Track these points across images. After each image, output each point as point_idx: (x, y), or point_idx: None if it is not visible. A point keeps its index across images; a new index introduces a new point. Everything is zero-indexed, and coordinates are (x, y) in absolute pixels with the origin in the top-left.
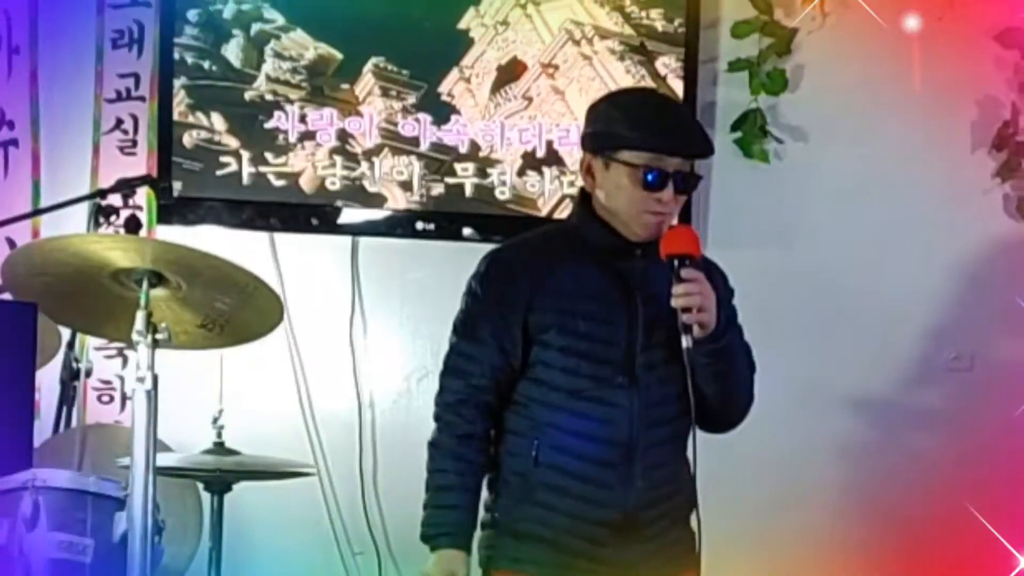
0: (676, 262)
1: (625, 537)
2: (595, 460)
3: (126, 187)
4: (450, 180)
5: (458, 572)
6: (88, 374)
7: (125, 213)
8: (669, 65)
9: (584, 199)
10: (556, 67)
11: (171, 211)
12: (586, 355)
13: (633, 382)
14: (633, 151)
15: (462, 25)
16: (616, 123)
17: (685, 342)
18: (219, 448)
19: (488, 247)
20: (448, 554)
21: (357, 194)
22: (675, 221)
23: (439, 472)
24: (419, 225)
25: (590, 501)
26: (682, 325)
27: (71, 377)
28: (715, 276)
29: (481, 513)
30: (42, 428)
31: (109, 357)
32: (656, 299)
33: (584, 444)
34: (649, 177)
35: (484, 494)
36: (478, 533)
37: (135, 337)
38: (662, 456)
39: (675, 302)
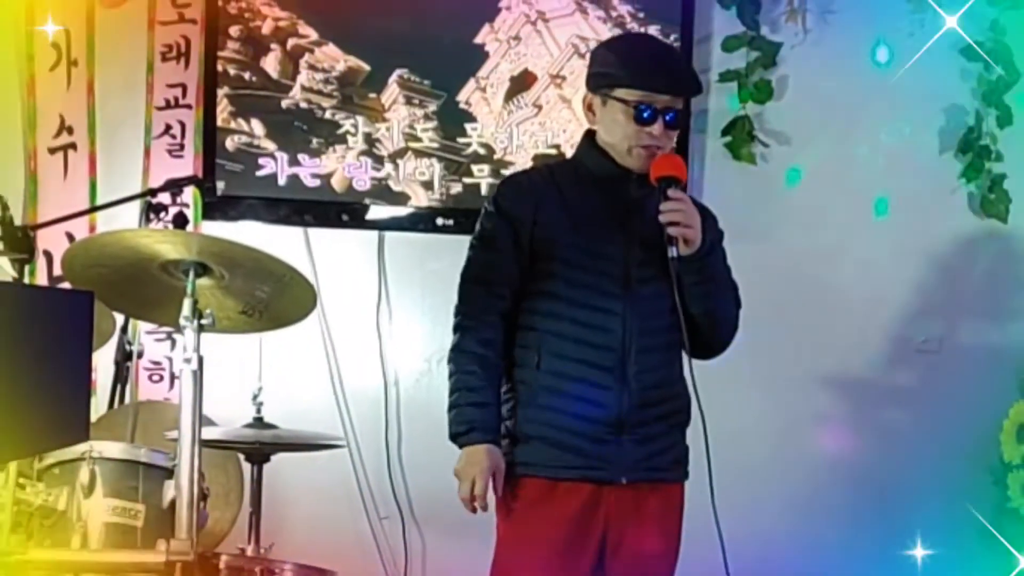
0: (663, 183)
1: (621, 436)
2: (591, 363)
3: (174, 186)
4: (467, 180)
5: (499, 464)
6: (140, 356)
7: (173, 210)
8: None
9: (587, 135)
10: (563, 78)
11: (215, 208)
12: (586, 267)
13: (628, 293)
14: (626, 89)
15: (478, 40)
16: (612, 64)
17: (671, 252)
18: (258, 423)
19: None
20: (482, 448)
21: (383, 193)
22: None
23: (466, 374)
24: (439, 221)
25: (588, 401)
26: (668, 237)
27: (124, 358)
28: (707, 218)
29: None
30: (98, 405)
31: (159, 340)
32: (651, 222)
33: (582, 349)
34: (644, 113)
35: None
36: None
37: (182, 322)
38: (653, 362)
39: (662, 217)
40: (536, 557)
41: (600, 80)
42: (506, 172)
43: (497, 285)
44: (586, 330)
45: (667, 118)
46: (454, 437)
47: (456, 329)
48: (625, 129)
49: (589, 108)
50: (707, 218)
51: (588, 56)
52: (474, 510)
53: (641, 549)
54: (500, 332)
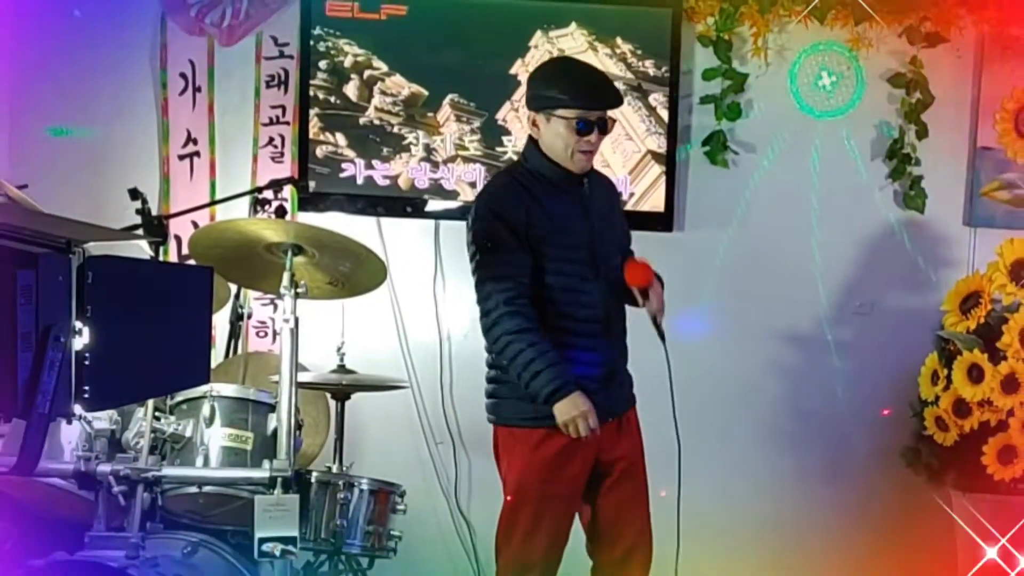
0: (639, 292)
1: (608, 386)
2: (585, 334)
3: (275, 185)
4: None
5: (587, 413)
6: (249, 317)
7: (275, 204)
8: (658, 100)
9: (534, 144)
10: None
11: (307, 202)
12: (568, 259)
13: (598, 277)
14: (565, 108)
15: (512, 71)
16: (552, 88)
17: (657, 332)
18: (341, 369)
19: None
20: (575, 397)
21: (438, 190)
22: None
23: (532, 346)
24: None
25: (585, 363)
26: (654, 322)
27: (237, 319)
28: (617, 200)
29: (488, 385)
30: (217, 355)
31: (264, 305)
32: (602, 214)
33: (574, 324)
34: (580, 126)
35: (490, 371)
36: (489, 400)
37: (282, 291)
38: (621, 328)
39: (648, 311)
40: (544, 481)
41: (542, 102)
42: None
43: (520, 276)
44: (574, 307)
45: (599, 127)
46: (549, 397)
47: (497, 320)
48: (567, 140)
49: (534, 123)
50: (616, 194)
51: (526, 81)
52: (587, 432)
53: (614, 454)
54: (534, 311)
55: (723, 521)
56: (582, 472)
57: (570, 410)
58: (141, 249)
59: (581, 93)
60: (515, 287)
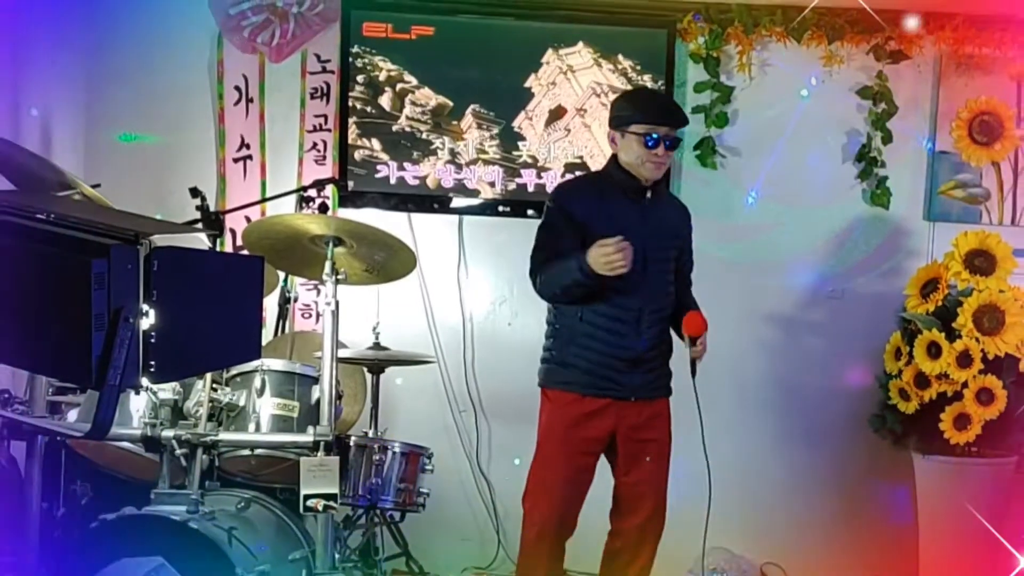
0: (692, 339)
1: (634, 368)
2: (617, 318)
3: (319, 185)
4: (519, 180)
5: (606, 243)
6: (295, 300)
7: (318, 201)
8: None
9: (613, 157)
10: (585, 111)
11: (347, 200)
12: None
13: (644, 272)
14: (637, 124)
15: (527, 84)
16: (627, 109)
17: (692, 371)
18: (376, 346)
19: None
20: (591, 253)
21: (462, 189)
22: (667, 167)
23: (552, 268)
24: (500, 208)
25: (614, 345)
26: (692, 364)
27: (285, 302)
28: (686, 218)
29: (542, 353)
30: (267, 334)
31: (308, 290)
32: (660, 225)
33: (613, 310)
34: (648, 141)
35: (544, 342)
36: (540, 366)
37: (324, 277)
38: (656, 321)
39: (692, 355)
40: (566, 438)
41: (619, 120)
42: (546, 176)
43: (554, 252)
44: (616, 296)
45: (666, 143)
46: (582, 269)
47: (534, 281)
48: (638, 152)
49: (612, 140)
50: (686, 218)
51: (609, 104)
52: (623, 262)
53: (642, 437)
54: None
55: (714, 477)
56: (602, 436)
57: (597, 258)
58: (200, 241)
59: (650, 112)
60: (547, 257)
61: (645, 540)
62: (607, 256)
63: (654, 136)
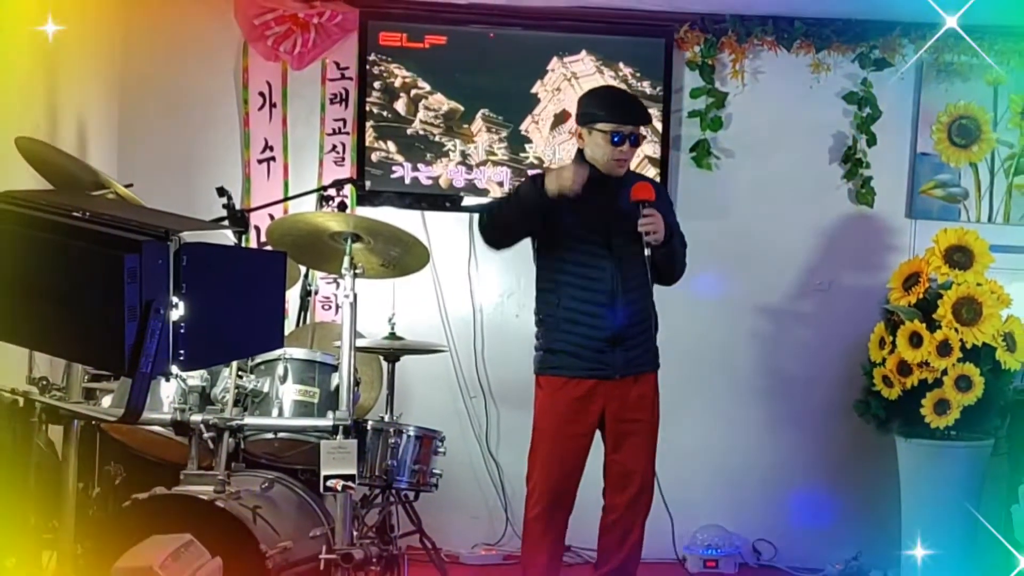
0: (640, 205)
1: (616, 347)
2: (593, 302)
3: (338, 184)
4: None
5: (562, 167)
6: (316, 293)
7: (337, 200)
8: (655, 114)
9: (579, 152)
10: None
11: (364, 199)
12: (584, 239)
13: (611, 254)
14: (603, 123)
15: (533, 90)
16: (593, 107)
17: (647, 250)
18: (392, 336)
19: None
20: (546, 174)
21: (472, 189)
22: (632, 167)
23: (501, 201)
24: None
25: (593, 327)
26: (645, 241)
27: (306, 294)
28: (663, 197)
29: (534, 343)
30: (289, 324)
31: (328, 283)
32: (622, 209)
33: (586, 293)
34: (614, 138)
35: (535, 331)
36: (532, 354)
37: (343, 271)
38: (633, 299)
39: (640, 227)
40: (557, 423)
41: (586, 118)
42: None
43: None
44: (588, 281)
45: (631, 140)
46: (533, 190)
47: (482, 223)
48: (604, 149)
49: (579, 136)
50: (664, 199)
51: (576, 101)
52: (577, 178)
53: (629, 417)
54: None
55: (706, 460)
56: (591, 419)
57: (552, 179)
58: (227, 237)
59: (615, 111)
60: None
61: (635, 515)
62: (561, 179)
63: (620, 134)
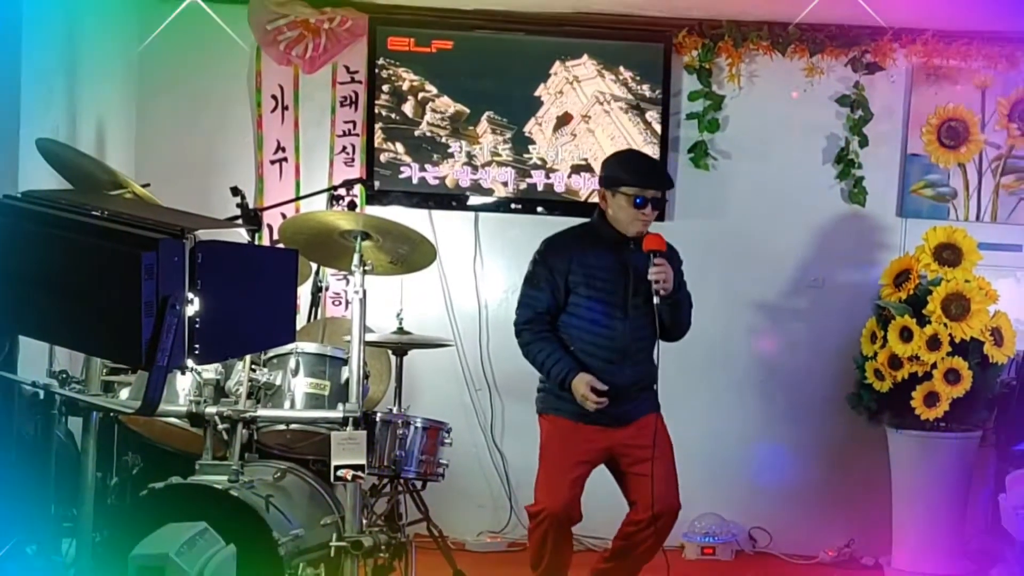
0: (652, 254)
1: (619, 401)
2: (603, 358)
3: (348, 184)
4: (529, 181)
5: (592, 383)
6: (326, 289)
7: (347, 199)
8: (654, 116)
9: (600, 212)
10: (589, 117)
11: (373, 198)
12: (600, 300)
13: (626, 316)
14: (628, 187)
15: (537, 93)
16: (618, 170)
17: (656, 299)
18: (400, 331)
19: (549, 219)
20: (581, 377)
21: (478, 188)
22: (652, 227)
23: (541, 351)
24: (512, 206)
25: (601, 380)
26: (654, 290)
27: (317, 290)
28: (675, 255)
29: (538, 384)
30: (300, 319)
31: (338, 280)
32: (640, 272)
33: (598, 350)
34: (638, 201)
35: (539, 375)
36: (536, 394)
37: (353, 268)
38: (641, 357)
39: (650, 276)
40: (563, 456)
41: (610, 181)
42: (554, 176)
43: (539, 307)
44: (601, 338)
45: (652, 204)
46: (562, 382)
47: (520, 334)
48: (627, 212)
49: (603, 198)
50: (675, 257)
51: (601, 164)
52: (596, 405)
53: (637, 444)
54: (546, 328)
55: (705, 450)
56: (597, 454)
57: (580, 391)
58: (240, 235)
59: (640, 177)
60: (531, 314)
61: (656, 532)
62: (585, 397)
63: (643, 198)
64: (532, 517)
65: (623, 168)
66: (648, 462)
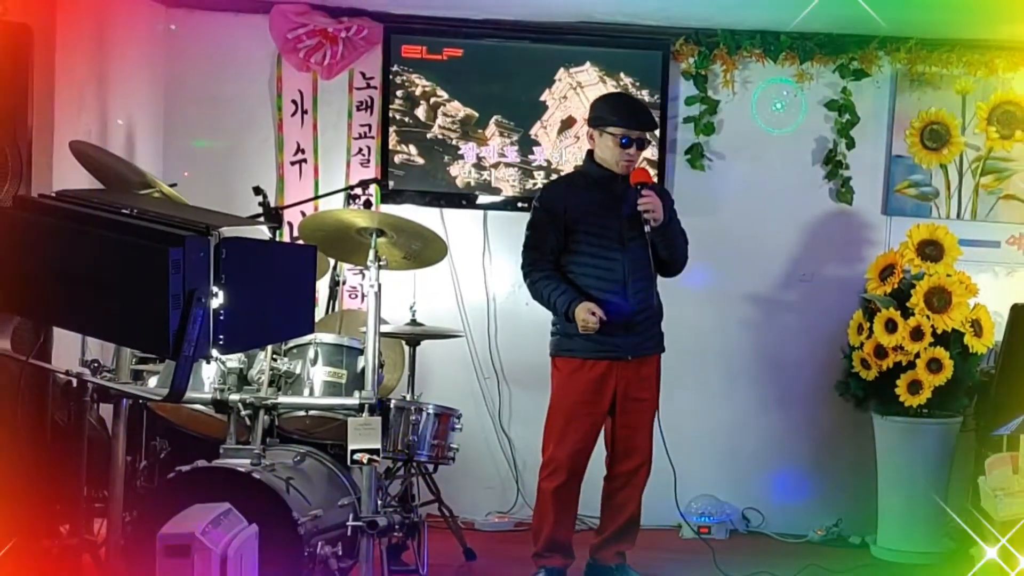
0: (639, 187)
1: (627, 331)
2: (607, 291)
3: (364, 184)
4: (534, 181)
5: (592, 308)
6: (344, 283)
7: (363, 198)
8: None
9: (589, 153)
10: None
11: (388, 197)
12: (596, 235)
13: (622, 247)
14: (613, 126)
15: (542, 98)
16: (605, 111)
17: (647, 228)
18: (413, 322)
19: None
20: (583, 305)
21: (486, 188)
22: (638, 165)
23: (546, 287)
24: (519, 205)
25: (604, 310)
26: (643, 219)
27: (334, 284)
28: (665, 195)
29: (550, 328)
30: (319, 311)
31: (355, 274)
32: (631, 205)
33: (600, 283)
34: (623, 141)
35: (542, 317)
36: (549, 339)
37: (369, 263)
38: (640, 288)
39: (639, 207)
40: (573, 401)
41: (597, 121)
42: (555, 177)
43: (542, 247)
44: (601, 271)
45: (638, 144)
46: (566, 312)
47: (525, 275)
48: (613, 151)
49: (590, 137)
50: (665, 195)
51: (589, 105)
52: (600, 323)
53: (636, 396)
54: (551, 266)
55: (701, 435)
56: (603, 396)
57: (581, 316)
58: (262, 232)
59: (626, 116)
60: (537, 256)
61: (636, 484)
62: (585, 321)
63: (628, 138)
64: (542, 470)
65: (610, 109)
66: (646, 416)
